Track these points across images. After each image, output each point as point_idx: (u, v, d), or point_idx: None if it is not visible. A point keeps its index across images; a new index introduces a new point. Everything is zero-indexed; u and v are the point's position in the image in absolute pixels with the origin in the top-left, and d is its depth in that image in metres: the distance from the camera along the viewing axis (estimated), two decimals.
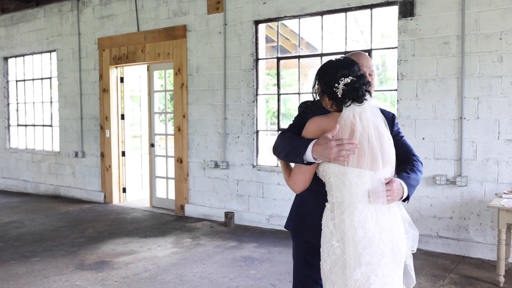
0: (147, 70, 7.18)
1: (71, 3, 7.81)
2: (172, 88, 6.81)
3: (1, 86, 9.20)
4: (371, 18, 5.12)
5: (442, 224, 4.75)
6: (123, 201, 7.52)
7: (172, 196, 6.90)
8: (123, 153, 7.52)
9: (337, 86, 1.89)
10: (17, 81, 9.12)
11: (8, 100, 9.22)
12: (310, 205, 2.09)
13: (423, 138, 4.81)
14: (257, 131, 5.95)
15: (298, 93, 5.88)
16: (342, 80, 1.88)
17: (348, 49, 5.33)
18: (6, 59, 9.16)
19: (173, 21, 6.56)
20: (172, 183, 6.90)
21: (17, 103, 9.16)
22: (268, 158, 6.14)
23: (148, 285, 3.94)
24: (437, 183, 4.71)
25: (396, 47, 4.95)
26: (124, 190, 7.55)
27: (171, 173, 6.91)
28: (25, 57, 8.83)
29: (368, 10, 5.13)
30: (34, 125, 8.87)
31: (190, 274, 4.20)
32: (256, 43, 5.91)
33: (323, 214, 1.97)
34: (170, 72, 6.90)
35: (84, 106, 7.75)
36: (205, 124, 6.34)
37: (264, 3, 5.76)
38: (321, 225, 1.97)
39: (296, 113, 2.27)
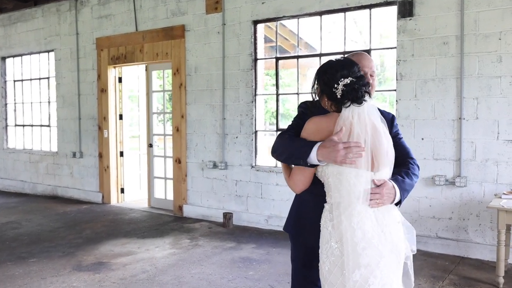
0: (146, 70, 7.15)
1: (69, 2, 7.78)
2: (171, 88, 6.79)
3: None
4: (370, 18, 5.10)
5: (441, 224, 4.73)
6: (121, 201, 7.50)
7: (170, 196, 6.88)
8: (121, 154, 7.50)
9: (336, 87, 1.88)
10: (15, 81, 9.09)
11: (6, 100, 9.19)
12: (309, 206, 2.07)
13: (422, 139, 4.79)
14: (255, 132, 5.93)
15: (297, 93, 5.86)
16: (342, 81, 1.87)
17: (347, 49, 5.32)
18: (4, 59, 9.12)
19: (172, 21, 6.54)
20: (170, 183, 6.87)
21: (15, 103, 9.13)
22: (266, 158, 6.11)
23: (145, 286, 3.92)
24: (436, 184, 4.70)
25: (395, 47, 4.94)
26: (122, 190, 7.52)
27: (170, 174, 6.88)
28: (23, 57, 8.80)
29: (367, 10, 5.12)
30: (32, 125, 8.84)
31: (188, 275, 4.18)
32: (255, 43, 5.89)
33: (322, 215, 1.96)
34: (169, 72, 6.87)
35: (82, 106, 7.72)
36: (203, 124, 6.32)
37: (262, 3, 5.74)
38: (320, 226, 1.96)
39: (295, 113, 2.26)
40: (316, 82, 1.98)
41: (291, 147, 1.93)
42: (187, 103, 6.46)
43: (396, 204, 1.96)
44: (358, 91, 1.86)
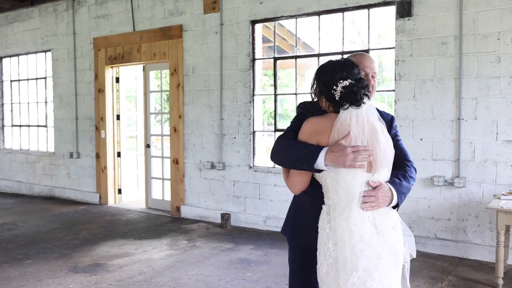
0: (143, 70, 7.12)
1: (66, 2, 7.75)
2: (168, 89, 6.76)
3: None
4: (368, 18, 5.08)
5: (440, 225, 4.71)
6: (118, 202, 7.46)
7: (168, 197, 6.84)
8: (119, 154, 7.46)
9: (335, 89, 1.86)
10: (11, 81, 9.04)
11: (3, 100, 9.15)
12: (307, 208, 2.04)
13: (421, 139, 4.77)
14: (253, 132, 5.90)
15: (295, 94, 5.83)
16: (341, 83, 1.86)
17: (346, 49, 5.30)
18: (0, 59, 9.08)
19: (169, 21, 6.50)
20: (168, 184, 6.84)
21: (12, 103, 9.09)
22: (264, 159, 6.09)
23: None
24: (435, 184, 4.68)
25: (394, 48, 4.92)
26: (119, 191, 7.49)
27: (167, 174, 6.85)
28: (20, 57, 8.75)
29: (365, 10, 5.10)
30: (29, 126, 8.80)
31: (185, 277, 4.15)
32: (253, 43, 5.86)
33: (319, 217, 1.93)
34: (166, 72, 6.84)
35: (79, 106, 7.68)
36: (201, 124, 6.29)
37: (260, 3, 5.71)
38: (318, 228, 1.93)
39: (293, 113, 2.23)
40: (315, 82, 1.96)
41: (295, 152, 1.89)
42: (184, 103, 6.43)
43: (394, 207, 1.93)
44: (357, 93, 1.84)
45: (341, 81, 1.86)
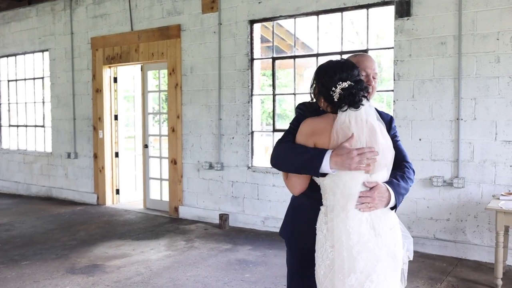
0: (141, 70, 7.09)
1: (63, 2, 7.71)
2: (166, 89, 6.73)
3: None
4: (367, 18, 5.07)
5: (439, 226, 4.70)
6: (116, 202, 7.43)
7: (166, 197, 6.82)
8: (117, 154, 7.43)
9: (334, 90, 1.85)
10: (8, 81, 9.00)
11: (0, 100, 9.10)
12: (306, 210, 2.02)
13: (420, 139, 4.76)
14: (252, 132, 5.88)
15: (293, 94, 5.81)
16: (340, 84, 1.84)
17: (344, 50, 5.28)
18: None
19: (167, 21, 6.48)
20: (166, 184, 6.81)
21: (9, 103, 9.05)
22: (263, 159, 6.07)
23: None
24: (434, 185, 4.66)
25: (393, 48, 4.90)
26: (117, 191, 7.46)
27: (165, 175, 6.82)
28: (17, 56, 8.71)
29: (364, 10, 5.08)
30: (26, 126, 8.76)
31: (183, 278, 4.12)
32: (251, 43, 5.84)
33: (317, 218, 1.92)
34: (164, 72, 6.82)
35: (77, 106, 7.65)
36: (199, 124, 6.27)
37: (259, 2, 5.69)
38: (316, 230, 1.92)
39: (291, 113, 2.21)
40: (314, 82, 1.95)
41: (298, 157, 1.86)
42: (183, 104, 6.40)
43: (392, 209, 1.91)
44: (356, 95, 1.83)
45: (340, 82, 1.84)
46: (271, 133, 5.91)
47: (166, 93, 6.82)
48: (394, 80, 4.90)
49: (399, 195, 1.91)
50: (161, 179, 6.98)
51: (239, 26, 5.85)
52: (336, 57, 5.13)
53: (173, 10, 6.42)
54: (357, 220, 1.82)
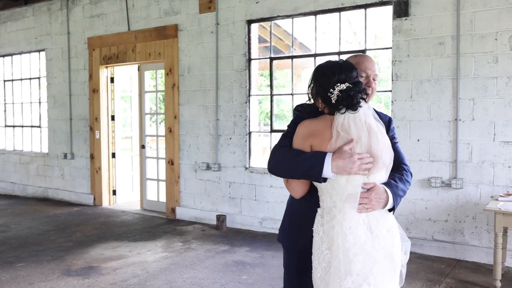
0: (138, 70, 7.05)
1: (60, 1, 7.67)
2: (164, 89, 6.69)
3: None
4: (365, 18, 5.04)
5: (437, 227, 4.68)
6: (113, 203, 7.39)
7: (163, 198, 6.78)
8: (113, 155, 7.39)
9: (331, 92, 1.82)
10: (4, 81, 8.95)
11: None
12: (303, 213, 1.99)
13: (418, 140, 4.74)
14: (249, 133, 5.85)
15: (291, 94, 5.79)
16: (338, 86, 1.81)
17: (342, 50, 5.26)
18: None
19: (164, 21, 6.44)
20: (163, 185, 6.78)
21: (5, 104, 8.99)
22: (260, 160, 6.04)
23: None
24: (432, 186, 4.64)
25: (391, 48, 4.88)
26: (114, 192, 7.41)
27: (162, 175, 6.79)
28: (13, 56, 8.66)
29: (362, 10, 5.06)
30: (22, 126, 8.71)
31: (180, 279, 4.09)
32: (249, 43, 5.81)
33: (314, 220, 1.89)
34: (162, 72, 6.78)
35: (74, 106, 7.60)
36: (196, 125, 6.23)
37: (257, 2, 5.66)
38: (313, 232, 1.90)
39: (289, 114, 2.18)
40: (312, 83, 1.92)
41: (298, 164, 1.82)
42: (180, 104, 6.37)
43: (390, 210, 1.88)
44: (354, 98, 1.80)
45: (338, 84, 1.81)
46: (269, 133, 5.88)
47: (163, 93, 6.79)
48: (392, 80, 4.87)
49: (397, 197, 1.88)
50: (158, 180, 6.94)
51: (237, 26, 5.82)
52: (335, 58, 5.11)
53: (170, 10, 6.39)
54: (354, 222, 1.79)
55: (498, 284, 3.74)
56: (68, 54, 7.58)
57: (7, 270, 4.32)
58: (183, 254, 4.82)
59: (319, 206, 1.89)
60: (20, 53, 8.47)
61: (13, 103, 8.84)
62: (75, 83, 7.56)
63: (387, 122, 2.11)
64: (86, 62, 7.39)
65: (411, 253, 1.99)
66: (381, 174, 1.88)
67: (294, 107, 2.11)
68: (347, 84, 1.81)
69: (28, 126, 8.62)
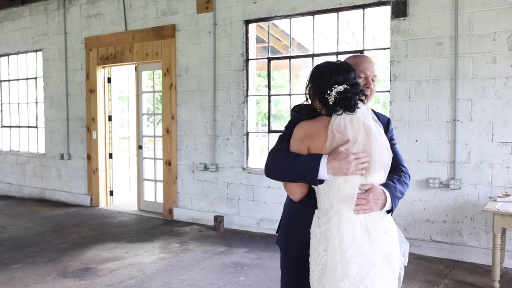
0: (135, 70, 7.03)
1: (57, 1, 7.63)
2: (161, 89, 6.67)
3: None
4: (363, 18, 5.03)
5: (436, 228, 4.66)
6: (110, 204, 7.35)
7: (160, 199, 6.75)
8: (110, 155, 7.35)
9: (329, 93, 1.80)
10: (1, 81, 8.90)
11: None
12: (301, 215, 1.96)
13: (416, 140, 4.72)
14: (247, 133, 5.83)
15: (289, 95, 5.77)
16: (335, 88, 1.79)
17: (340, 50, 5.24)
18: None
19: (162, 21, 6.42)
20: (160, 186, 6.75)
21: (1, 104, 8.94)
22: (258, 160, 6.01)
23: None
24: (430, 186, 4.62)
25: (389, 48, 4.87)
26: (111, 193, 7.38)
27: (160, 176, 6.76)
28: (10, 56, 8.62)
29: (360, 10, 5.04)
30: (19, 127, 8.66)
31: (177, 281, 4.06)
32: (247, 43, 5.79)
33: (312, 222, 1.87)
34: (159, 72, 6.76)
35: (70, 107, 7.57)
36: (194, 125, 6.21)
37: (254, 2, 5.64)
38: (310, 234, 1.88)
39: (287, 114, 2.16)
40: (309, 84, 1.89)
41: (294, 167, 1.80)
42: (177, 104, 6.34)
43: (388, 212, 1.86)
44: (351, 99, 1.78)
45: (336, 86, 1.80)
46: (267, 134, 5.86)
47: (160, 93, 6.76)
48: (390, 80, 4.86)
49: (396, 198, 1.86)
50: (155, 181, 6.91)
51: (234, 26, 5.80)
52: (333, 58, 5.10)
53: (168, 10, 6.36)
54: (351, 223, 1.77)
55: (497, 285, 3.73)
56: (65, 54, 7.55)
57: (2, 271, 4.29)
58: (180, 255, 4.79)
59: (316, 208, 1.87)
60: (17, 53, 8.43)
61: (9, 103, 8.79)
62: (72, 83, 7.53)
63: (386, 123, 2.09)
64: (83, 62, 7.36)
65: (409, 254, 1.97)
66: (380, 175, 1.86)
67: (292, 107, 2.09)
68: (344, 86, 1.80)
69: (24, 126, 8.58)
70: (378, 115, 2.02)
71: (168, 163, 6.47)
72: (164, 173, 6.53)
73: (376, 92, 2.03)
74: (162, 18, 6.41)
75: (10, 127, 8.81)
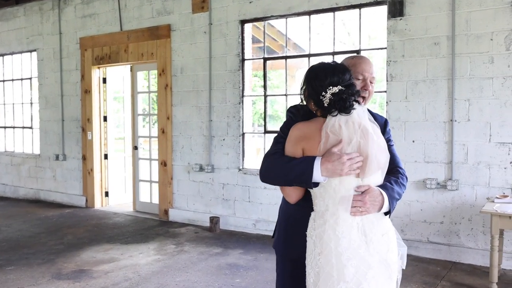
0: (131, 70, 6.98)
1: (52, 1, 7.57)
2: (156, 89, 6.62)
3: None
4: (360, 18, 5.00)
5: (433, 229, 4.64)
6: (105, 205, 7.30)
7: (156, 200, 6.70)
8: (106, 156, 7.30)
9: (324, 95, 1.77)
10: None
11: None
12: (297, 218, 1.93)
13: (413, 141, 4.70)
14: (243, 134, 5.79)
15: (285, 95, 5.73)
16: (330, 89, 1.77)
17: (336, 50, 5.21)
18: None
19: (157, 21, 6.37)
20: (156, 187, 6.70)
21: None
22: (254, 161, 5.98)
23: None
24: (428, 187, 4.60)
25: (385, 48, 4.84)
26: (106, 194, 7.33)
27: (155, 177, 6.71)
28: (4, 57, 8.56)
29: (357, 10, 5.01)
30: (14, 127, 8.59)
31: (172, 283, 4.02)
32: (242, 43, 5.75)
33: (308, 225, 1.84)
34: (154, 72, 6.71)
35: (65, 107, 7.51)
36: (189, 126, 6.16)
37: (250, 2, 5.61)
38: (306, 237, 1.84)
39: (283, 115, 2.12)
40: (304, 84, 1.86)
41: (288, 171, 1.77)
42: (173, 105, 6.30)
43: (386, 214, 1.83)
44: (346, 101, 1.76)
45: (331, 87, 1.77)
46: (263, 134, 5.83)
47: (156, 94, 6.71)
48: (387, 81, 4.83)
49: (393, 200, 1.83)
50: (151, 181, 6.86)
51: (230, 26, 5.76)
52: (329, 58, 5.07)
53: (163, 10, 6.32)
54: (348, 225, 1.74)
55: (495, 286, 3.70)
56: (60, 54, 7.49)
57: None
58: (176, 256, 4.75)
59: (312, 210, 1.84)
60: (12, 54, 8.36)
61: (4, 104, 8.72)
62: (67, 84, 7.47)
63: (383, 124, 2.06)
64: (78, 62, 7.30)
65: (406, 255, 1.93)
66: (376, 176, 1.83)
67: (287, 108, 2.05)
68: (339, 87, 1.77)
69: (19, 127, 8.51)
70: (375, 116, 1.99)
71: (163, 164, 6.42)
72: (160, 174, 6.49)
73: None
74: (157, 18, 6.37)
75: (5, 127, 8.74)
